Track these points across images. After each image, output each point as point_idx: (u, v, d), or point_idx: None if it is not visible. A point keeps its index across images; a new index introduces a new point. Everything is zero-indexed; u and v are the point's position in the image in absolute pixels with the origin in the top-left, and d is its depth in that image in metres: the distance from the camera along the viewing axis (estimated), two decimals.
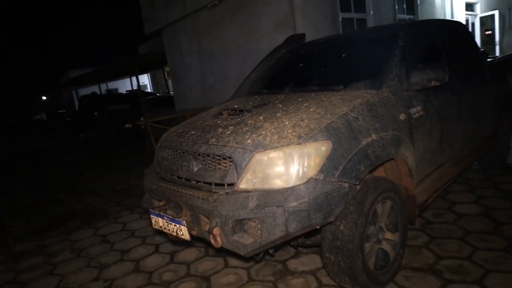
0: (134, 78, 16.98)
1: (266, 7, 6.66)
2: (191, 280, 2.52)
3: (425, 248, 2.53)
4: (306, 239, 2.26)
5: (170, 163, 2.28)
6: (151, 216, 2.17)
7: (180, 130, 2.39)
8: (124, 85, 23.40)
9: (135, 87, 17.30)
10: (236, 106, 2.51)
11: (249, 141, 1.87)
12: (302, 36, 3.64)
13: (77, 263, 3.01)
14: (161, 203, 2.13)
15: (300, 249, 2.73)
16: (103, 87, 19.13)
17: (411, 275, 2.24)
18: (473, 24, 11.72)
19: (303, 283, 2.30)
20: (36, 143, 16.00)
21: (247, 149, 1.84)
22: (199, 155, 2.05)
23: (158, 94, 18.69)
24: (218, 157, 1.95)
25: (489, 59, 3.92)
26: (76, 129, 15.59)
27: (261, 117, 2.12)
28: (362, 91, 2.29)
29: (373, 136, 2.01)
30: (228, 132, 2.04)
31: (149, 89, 23.44)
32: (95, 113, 13.59)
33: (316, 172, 1.75)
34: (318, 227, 1.82)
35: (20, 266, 3.11)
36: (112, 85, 22.60)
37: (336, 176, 1.79)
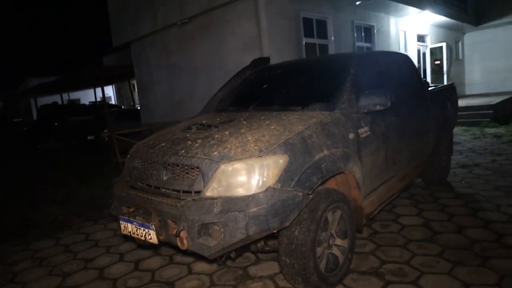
0: (98, 89, 16.71)
1: (235, 29, 6.99)
2: (155, 285, 2.64)
3: (372, 255, 2.81)
4: (265, 245, 2.47)
5: (140, 172, 2.43)
6: (121, 222, 2.29)
7: (151, 142, 2.56)
8: (87, 96, 22.87)
9: (98, 99, 17.00)
10: (204, 121, 2.72)
11: (215, 153, 2.08)
12: (267, 59, 3.95)
13: (39, 272, 3.02)
14: (131, 210, 2.26)
15: (260, 256, 2.93)
16: (65, 97, 18.55)
17: (357, 278, 2.50)
18: (424, 54, 12.79)
19: (261, 287, 2.50)
20: None
21: (213, 160, 2.04)
22: (168, 165, 2.23)
23: (122, 107, 18.43)
24: (186, 167, 2.14)
25: (431, 87, 4.42)
26: (34, 140, 14.98)
27: (227, 132, 2.34)
28: (317, 112, 2.58)
29: (325, 151, 2.29)
30: (197, 144, 2.24)
31: (113, 101, 23.02)
32: (56, 124, 13.17)
33: (274, 182, 1.99)
34: (275, 231, 2.04)
35: None
36: (74, 95, 21.98)
37: (291, 186, 2.03)
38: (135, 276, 2.81)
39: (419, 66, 12.36)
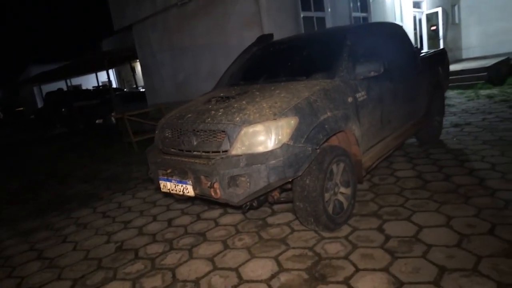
0: (100, 74, 16.96)
1: (235, 6, 7.24)
2: (189, 236, 3.12)
3: (371, 202, 3.28)
4: (280, 196, 2.93)
5: (171, 140, 2.86)
6: (160, 181, 2.75)
7: (178, 115, 2.97)
8: (88, 81, 23.08)
9: (101, 83, 17.27)
10: (222, 94, 3.12)
11: (237, 118, 2.50)
12: (271, 35, 4.29)
13: (86, 233, 3.51)
14: (168, 171, 2.71)
15: (275, 209, 3.40)
16: (68, 83, 18.80)
17: (360, 219, 2.97)
18: (420, 20, 12.93)
19: (279, 231, 2.97)
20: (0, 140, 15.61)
21: (236, 124, 2.46)
22: (198, 131, 2.65)
23: (125, 90, 18.70)
24: (214, 132, 2.57)
25: (423, 53, 4.77)
26: (41, 127, 15.41)
27: (244, 102, 2.75)
28: (320, 80, 2.98)
29: (328, 113, 2.70)
30: (220, 113, 2.65)
31: (114, 85, 23.23)
32: (63, 110, 13.55)
33: (288, 139, 2.41)
34: (290, 180, 2.48)
35: (32, 238, 3.56)
36: (76, 81, 22.20)
37: (302, 142, 2.46)
38: (171, 231, 3.29)
39: (416, 33, 12.53)
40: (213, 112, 2.71)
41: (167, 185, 2.71)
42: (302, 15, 7.38)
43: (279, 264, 2.45)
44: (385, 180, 3.77)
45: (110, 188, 5.02)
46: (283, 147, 2.39)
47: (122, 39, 15.33)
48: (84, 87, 22.29)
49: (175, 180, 2.63)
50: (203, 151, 2.61)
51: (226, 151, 2.48)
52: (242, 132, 2.44)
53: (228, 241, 2.91)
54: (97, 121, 12.65)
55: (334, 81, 2.96)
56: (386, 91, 3.48)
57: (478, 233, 2.46)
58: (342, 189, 2.92)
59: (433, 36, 13.14)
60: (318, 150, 2.57)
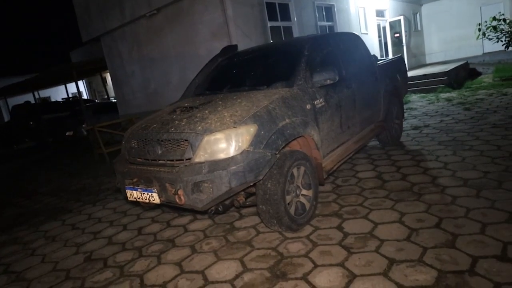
0: (69, 85, 16.62)
1: (202, 17, 7.38)
2: (159, 243, 3.19)
3: (333, 202, 3.46)
4: (246, 201, 3.06)
5: (137, 150, 2.94)
6: (127, 191, 2.82)
7: (143, 125, 3.06)
8: (57, 93, 22.53)
9: (70, 95, 16.93)
10: (186, 104, 3.23)
11: (199, 127, 2.62)
12: (235, 46, 4.46)
13: (55, 245, 3.50)
14: (134, 180, 2.79)
15: (242, 213, 3.52)
16: (35, 96, 18.29)
17: (321, 219, 3.13)
18: (384, 28, 13.52)
19: (246, 234, 3.09)
20: None
21: (198, 133, 2.58)
22: (162, 141, 2.75)
23: (96, 101, 18.39)
24: (177, 141, 2.67)
25: (380, 61, 5.06)
26: (9, 141, 14.90)
27: (206, 111, 2.87)
28: (279, 89, 3.15)
29: (287, 120, 2.87)
30: (183, 123, 2.77)
31: (85, 96, 22.77)
32: (31, 123, 13.18)
33: (248, 146, 2.55)
34: (251, 184, 2.62)
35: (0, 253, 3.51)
36: (44, 93, 21.62)
37: (261, 148, 2.61)
38: (140, 239, 3.34)
39: (380, 40, 13.09)
40: (176, 122, 2.82)
41: (134, 194, 2.78)
42: (269, 25, 7.61)
43: (243, 264, 2.57)
44: (348, 181, 3.97)
45: (80, 200, 4.99)
46: (243, 153, 2.53)
47: (91, 50, 15.13)
48: (53, 99, 21.73)
49: (141, 188, 2.71)
50: (167, 160, 2.71)
51: (189, 159, 2.59)
52: (204, 140, 2.56)
53: (196, 246, 3.00)
54: (67, 134, 12.38)
55: (292, 89, 3.13)
56: (344, 98, 3.70)
57: (426, 227, 2.67)
58: (304, 191, 3.08)
59: (397, 43, 13.76)
60: (278, 155, 2.72)
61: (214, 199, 2.51)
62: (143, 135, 2.92)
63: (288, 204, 2.86)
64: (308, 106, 3.16)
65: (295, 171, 2.95)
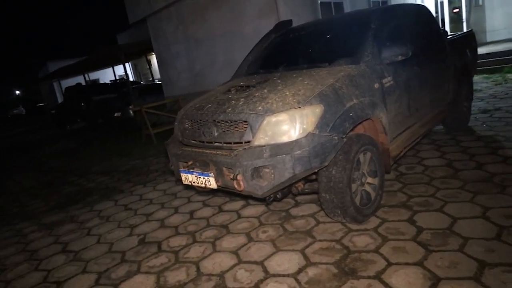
0: (117, 68, 17.09)
1: None
2: (212, 228, 3.07)
3: (399, 192, 3.14)
4: (304, 187, 2.83)
5: (192, 132, 2.79)
6: (181, 174, 2.69)
7: (197, 105, 2.90)
8: (105, 75, 23.33)
9: (118, 77, 17.41)
10: (241, 83, 3.02)
11: (259, 107, 2.40)
12: (289, 22, 4.15)
13: (109, 226, 3.51)
14: (189, 163, 2.65)
15: (298, 200, 3.31)
16: (85, 78, 19.05)
17: (388, 210, 2.84)
18: (441, 3, 12.43)
19: (304, 223, 2.88)
20: (22, 136, 16.03)
21: (259, 114, 2.37)
22: (218, 122, 2.57)
23: (142, 82, 18.81)
24: (235, 122, 2.48)
25: (450, 36, 4.53)
26: (62, 121, 15.68)
27: (265, 90, 2.64)
28: (344, 66, 2.84)
29: (354, 100, 2.57)
30: (241, 103, 2.56)
31: (131, 78, 23.43)
32: (82, 104, 13.72)
33: (313, 128, 2.31)
34: (316, 170, 2.38)
35: (57, 231, 3.58)
36: (93, 76, 22.48)
37: (328, 131, 2.35)
38: (193, 223, 3.25)
39: (437, 16, 12.06)
40: (233, 102, 2.62)
41: (189, 178, 2.65)
42: (319, 1, 7.17)
43: (305, 257, 2.37)
44: (413, 169, 3.62)
45: (130, 180, 5.03)
46: (308, 136, 2.29)
47: (137, 33, 15.35)
48: (101, 81, 22.55)
49: (196, 172, 2.56)
50: (224, 142, 2.53)
51: (248, 141, 2.39)
52: (265, 121, 2.34)
53: (251, 234, 2.84)
54: (115, 115, 12.74)
55: (359, 66, 2.82)
56: (413, 76, 3.31)
57: None
58: (370, 179, 2.80)
59: (456, 19, 12.63)
60: (345, 139, 2.45)
61: (276, 186, 2.31)
62: (197, 116, 2.76)
63: (353, 193, 2.60)
64: (376, 85, 2.83)
65: (361, 157, 2.67)
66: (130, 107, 12.10)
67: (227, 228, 3.02)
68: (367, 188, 2.79)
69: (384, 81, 2.92)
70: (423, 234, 2.40)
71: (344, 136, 2.43)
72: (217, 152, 2.51)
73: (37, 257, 3.11)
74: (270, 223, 2.97)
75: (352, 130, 2.60)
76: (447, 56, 4.04)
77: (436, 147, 4.17)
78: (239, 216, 3.21)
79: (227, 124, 2.54)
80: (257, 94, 2.62)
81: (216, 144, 2.59)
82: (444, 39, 4.10)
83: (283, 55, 3.68)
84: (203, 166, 2.57)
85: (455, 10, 12.54)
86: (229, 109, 2.55)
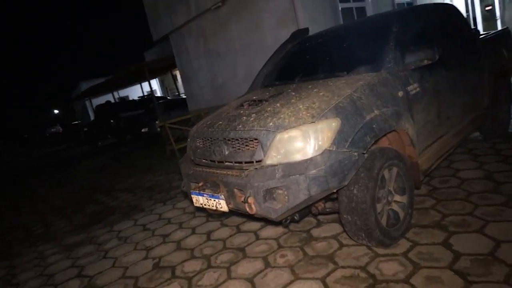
0: (144, 84, 17.53)
1: (268, 4, 6.98)
2: (228, 251, 2.90)
3: (432, 209, 2.85)
4: (325, 207, 2.61)
5: (203, 150, 2.66)
6: (192, 196, 2.56)
7: (209, 122, 2.77)
8: (134, 92, 24.01)
9: (145, 93, 17.84)
10: (254, 97, 2.87)
11: (271, 124, 2.23)
12: (306, 30, 3.98)
13: (126, 248, 3.43)
14: (200, 184, 2.51)
15: (320, 219, 3.08)
16: (115, 95, 19.67)
17: (420, 231, 2.56)
18: (472, 1, 11.81)
19: (326, 246, 2.65)
20: (57, 154, 16.69)
21: (270, 130, 2.20)
22: (229, 140, 2.43)
23: (168, 97, 19.17)
24: (245, 140, 2.32)
25: (483, 35, 4.19)
26: (94, 138, 16.19)
27: (278, 104, 2.47)
28: (363, 74, 2.63)
29: (376, 111, 2.35)
30: (252, 118, 2.40)
31: (158, 93, 23.98)
32: (111, 121, 14.10)
33: (330, 144, 2.10)
34: (335, 190, 2.17)
35: (76, 254, 3.54)
36: (123, 93, 23.19)
37: (346, 146, 2.14)
38: (209, 245, 3.10)
39: (468, 15, 11.46)
40: (244, 117, 2.47)
41: (200, 200, 2.50)
42: (340, 7, 6.95)
43: (326, 287, 2.14)
44: (447, 182, 3.30)
45: (151, 198, 4.98)
46: (325, 153, 2.09)
47: (163, 49, 15.70)
48: (130, 98, 23.22)
49: (207, 194, 2.42)
50: (235, 162, 2.38)
51: (260, 161, 2.22)
52: (277, 138, 2.17)
53: (269, 258, 2.65)
54: (142, 130, 13.00)
55: (380, 74, 2.59)
56: (442, 81, 3.03)
57: None
58: (397, 197, 2.54)
59: (489, 17, 11.94)
60: (366, 155, 2.23)
61: (290, 208, 2.11)
62: (208, 134, 2.63)
63: (379, 213, 2.36)
64: (400, 93, 2.59)
65: (386, 173, 2.42)
66: (157, 122, 12.31)
67: (244, 252, 2.84)
68: (395, 207, 2.53)
69: (409, 88, 2.67)
70: (461, 260, 2.11)
71: (365, 152, 2.21)
72: (228, 173, 2.36)
73: (53, 282, 3.06)
74: (289, 246, 2.76)
75: (374, 144, 2.37)
76: (480, 57, 3.71)
77: (472, 156, 3.81)
78: (257, 238, 3.03)
79: (238, 142, 2.38)
80: (269, 108, 2.45)
81: (227, 163, 2.44)
82: (476, 39, 3.77)
83: (300, 65, 3.50)
84: (214, 188, 2.42)
85: (487, 8, 11.87)
86: (240, 126, 2.40)
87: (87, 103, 22.00)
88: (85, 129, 17.17)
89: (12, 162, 17.48)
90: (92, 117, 21.51)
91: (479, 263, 2.04)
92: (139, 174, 6.96)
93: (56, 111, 45.86)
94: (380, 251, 2.39)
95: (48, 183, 8.68)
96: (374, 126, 2.29)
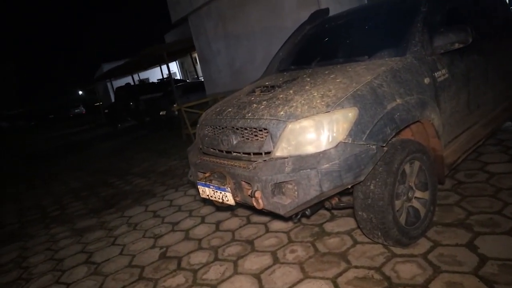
0: (164, 67, 17.48)
1: None
2: (236, 244, 2.80)
3: (456, 206, 2.64)
4: (339, 202, 2.45)
5: (211, 139, 2.53)
6: (199, 186, 2.44)
7: (218, 109, 2.62)
8: (155, 75, 24.08)
9: (165, 76, 17.84)
10: (267, 83, 2.70)
11: (281, 113, 2.07)
12: (326, 10, 3.72)
13: (134, 235, 3.39)
14: (206, 175, 2.38)
15: (335, 213, 2.92)
16: (135, 77, 19.78)
17: (442, 230, 2.37)
18: None
19: (339, 242, 2.50)
20: (78, 135, 17.05)
21: (280, 120, 2.03)
22: (237, 129, 2.28)
23: (187, 80, 19.11)
24: (254, 129, 2.17)
25: None
26: (114, 120, 16.39)
27: (291, 91, 2.30)
28: (386, 59, 2.40)
29: (398, 100, 2.14)
30: (262, 106, 2.24)
31: (178, 76, 23.96)
32: (131, 103, 14.18)
33: (345, 136, 1.92)
34: (349, 186, 2.00)
35: (86, 239, 3.54)
36: (143, 75, 23.28)
37: (363, 139, 1.95)
38: (217, 236, 3.00)
39: None
40: (254, 105, 2.31)
41: (206, 191, 2.38)
42: None
43: None
44: (473, 176, 3.06)
45: (164, 183, 4.94)
46: (339, 146, 1.91)
47: (182, 31, 15.53)
48: (150, 80, 23.31)
49: (213, 186, 2.29)
50: (243, 152, 2.23)
51: (269, 152, 2.07)
52: (287, 129, 2.00)
53: (278, 253, 2.52)
54: (160, 113, 13.00)
55: (405, 58, 2.36)
56: (474, 67, 2.77)
57: None
58: (418, 193, 2.35)
59: None
60: (386, 148, 2.03)
61: (300, 204, 1.96)
62: (216, 121, 2.48)
63: (397, 211, 2.18)
64: (427, 80, 2.35)
65: (407, 167, 2.23)
66: (174, 105, 12.29)
67: (253, 245, 2.72)
68: (415, 204, 2.34)
69: (436, 74, 2.43)
70: (487, 265, 1.92)
71: (384, 145, 2.02)
72: (235, 164, 2.22)
73: (61, 267, 3.05)
74: (300, 241, 2.63)
75: (395, 136, 2.17)
76: None
77: (503, 148, 3.53)
78: (267, 230, 2.91)
79: (246, 131, 2.23)
80: (281, 96, 2.28)
81: (234, 154, 2.30)
82: None
83: (318, 49, 3.28)
84: (220, 179, 2.29)
85: None
86: (249, 114, 2.24)
87: (108, 84, 22.25)
88: (106, 110, 17.40)
89: (36, 144, 17.99)
90: (113, 99, 21.79)
91: (508, 270, 1.85)
92: (154, 158, 6.95)
93: (80, 92, 46.79)
94: (397, 251, 2.22)
95: (66, 165, 8.83)
96: (395, 116, 2.08)
